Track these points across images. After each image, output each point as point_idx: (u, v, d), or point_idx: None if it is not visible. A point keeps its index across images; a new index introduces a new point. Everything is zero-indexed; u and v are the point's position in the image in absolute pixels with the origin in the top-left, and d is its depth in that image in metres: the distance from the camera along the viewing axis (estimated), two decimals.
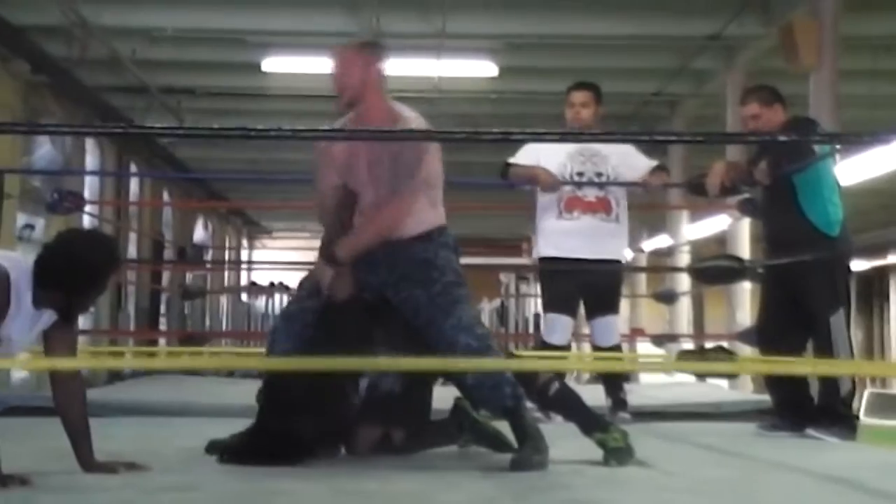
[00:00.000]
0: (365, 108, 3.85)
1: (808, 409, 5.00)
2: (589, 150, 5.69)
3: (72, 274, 3.18)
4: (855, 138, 4.36)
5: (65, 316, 3.31)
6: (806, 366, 5.05)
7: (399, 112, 3.87)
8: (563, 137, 5.71)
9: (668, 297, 10.55)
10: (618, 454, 3.79)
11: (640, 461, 3.81)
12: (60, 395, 3.37)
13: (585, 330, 6.65)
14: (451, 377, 3.95)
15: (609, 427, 3.90)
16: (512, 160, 5.73)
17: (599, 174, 5.69)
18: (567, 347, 5.92)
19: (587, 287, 5.67)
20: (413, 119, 3.86)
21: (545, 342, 5.72)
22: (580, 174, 5.68)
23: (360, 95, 3.85)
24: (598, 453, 3.82)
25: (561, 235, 5.66)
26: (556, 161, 5.66)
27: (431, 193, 3.88)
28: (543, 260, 5.79)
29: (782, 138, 4.96)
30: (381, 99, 3.90)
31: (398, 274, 3.83)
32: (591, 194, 5.68)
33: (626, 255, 5.99)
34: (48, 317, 3.27)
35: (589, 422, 3.92)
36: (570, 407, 3.98)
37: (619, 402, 5.64)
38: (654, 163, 5.85)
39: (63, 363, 3.34)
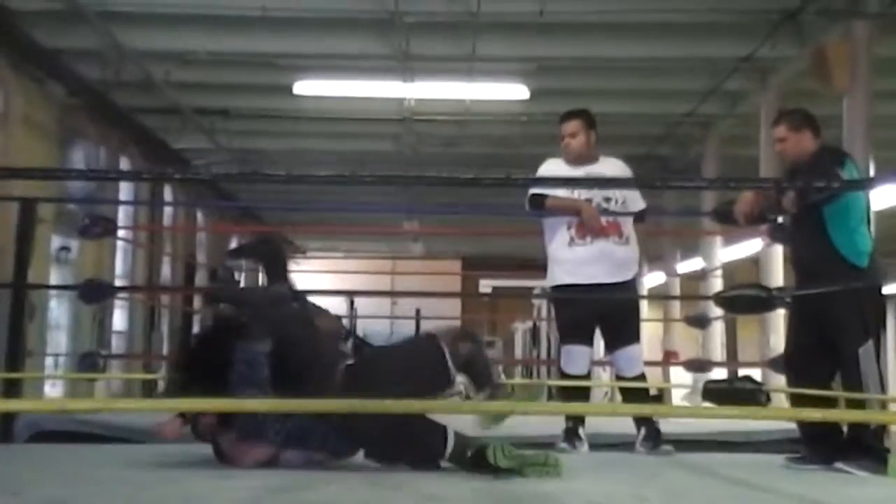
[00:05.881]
0: None
1: (837, 441, 4.90)
2: (593, 174, 5.54)
3: None
4: (880, 179, 4.23)
5: None
6: (837, 411, 4.90)
7: None
8: (578, 183, 5.53)
9: (700, 322, 10.44)
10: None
11: (669, 497, 3.74)
12: None
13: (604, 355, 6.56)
14: None
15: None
16: (537, 190, 5.55)
17: (608, 199, 5.56)
18: (587, 376, 5.82)
19: (606, 315, 5.53)
20: None
21: (564, 373, 5.64)
22: (588, 200, 5.49)
23: None
24: (621, 489, 3.79)
25: (576, 262, 5.50)
26: (564, 188, 5.52)
27: None
28: (557, 288, 5.63)
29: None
30: None
31: None
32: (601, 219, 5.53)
33: (643, 279, 5.86)
34: None
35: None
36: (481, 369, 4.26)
37: (652, 432, 5.48)
38: (643, 205, 5.73)
39: None
